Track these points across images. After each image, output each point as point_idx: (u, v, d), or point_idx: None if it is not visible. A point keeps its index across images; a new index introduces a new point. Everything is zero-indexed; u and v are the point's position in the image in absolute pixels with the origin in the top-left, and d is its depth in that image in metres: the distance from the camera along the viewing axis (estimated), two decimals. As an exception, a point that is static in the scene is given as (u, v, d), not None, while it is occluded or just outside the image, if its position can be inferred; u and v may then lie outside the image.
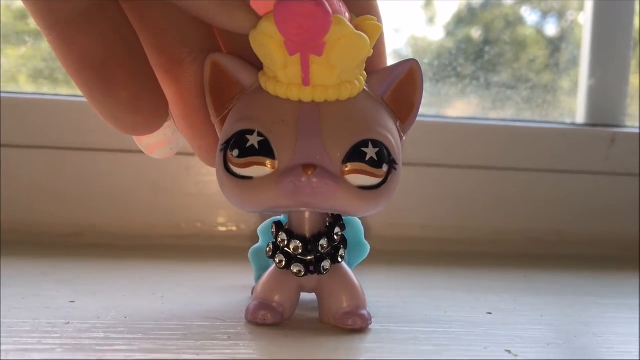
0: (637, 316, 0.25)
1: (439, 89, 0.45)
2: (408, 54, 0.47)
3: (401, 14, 0.46)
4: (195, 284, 0.27)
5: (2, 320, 0.20)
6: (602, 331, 0.23)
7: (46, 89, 0.42)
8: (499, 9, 0.48)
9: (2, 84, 0.41)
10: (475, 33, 0.48)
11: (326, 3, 0.16)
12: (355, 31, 0.17)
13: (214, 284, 0.27)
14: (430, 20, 0.48)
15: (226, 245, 0.37)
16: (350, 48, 0.17)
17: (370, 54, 0.18)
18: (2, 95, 0.37)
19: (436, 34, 0.48)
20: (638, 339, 0.22)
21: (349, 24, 0.17)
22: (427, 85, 0.44)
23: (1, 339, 0.18)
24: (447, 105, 0.46)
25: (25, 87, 0.43)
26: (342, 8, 0.18)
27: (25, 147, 0.37)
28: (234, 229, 0.38)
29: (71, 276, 0.27)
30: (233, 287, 0.27)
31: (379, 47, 0.20)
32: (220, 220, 0.38)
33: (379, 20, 0.20)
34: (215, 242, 0.38)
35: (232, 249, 0.36)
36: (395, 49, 0.47)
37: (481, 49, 0.46)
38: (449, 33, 0.48)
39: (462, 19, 0.48)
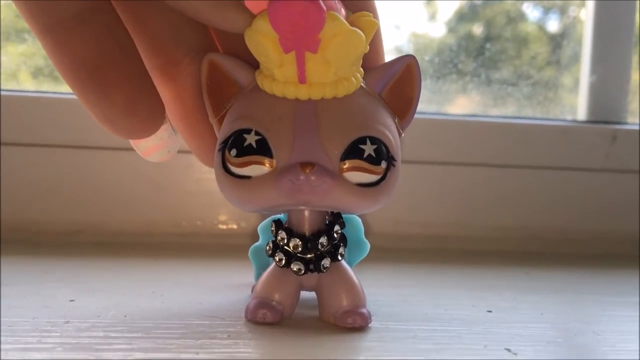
0: (638, 314, 0.25)
1: (440, 86, 0.44)
2: (409, 50, 0.47)
3: (402, 11, 0.46)
4: (195, 282, 0.27)
5: (2, 319, 0.20)
6: (602, 329, 0.23)
7: (47, 87, 0.42)
8: (501, 5, 0.48)
9: (2, 81, 0.41)
10: (477, 29, 0.47)
11: (320, 0, 0.16)
12: (350, 27, 0.17)
13: (213, 282, 0.27)
14: (432, 16, 0.48)
15: (226, 243, 0.37)
16: (345, 44, 0.17)
17: (366, 50, 0.18)
18: (2, 93, 0.37)
19: (437, 31, 0.48)
20: (638, 337, 0.22)
21: (343, 20, 0.17)
22: (427, 83, 0.44)
23: (1, 337, 0.18)
24: (448, 102, 0.46)
25: (26, 84, 0.43)
26: (338, 5, 0.18)
27: (25, 145, 0.37)
28: (235, 226, 0.38)
29: (71, 275, 0.28)
30: (233, 285, 0.27)
31: (375, 43, 0.20)
32: (221, 218, 0.38)
33: (375, 16, 0.19)
34: (215, 240, 0.38)
35: (233, 246, 0.36)
36: (396, 46, 0.46)
37: (482, 46, 0.46)
38: (451, 29, 0.48)
39: (464, 16, 0.48)
